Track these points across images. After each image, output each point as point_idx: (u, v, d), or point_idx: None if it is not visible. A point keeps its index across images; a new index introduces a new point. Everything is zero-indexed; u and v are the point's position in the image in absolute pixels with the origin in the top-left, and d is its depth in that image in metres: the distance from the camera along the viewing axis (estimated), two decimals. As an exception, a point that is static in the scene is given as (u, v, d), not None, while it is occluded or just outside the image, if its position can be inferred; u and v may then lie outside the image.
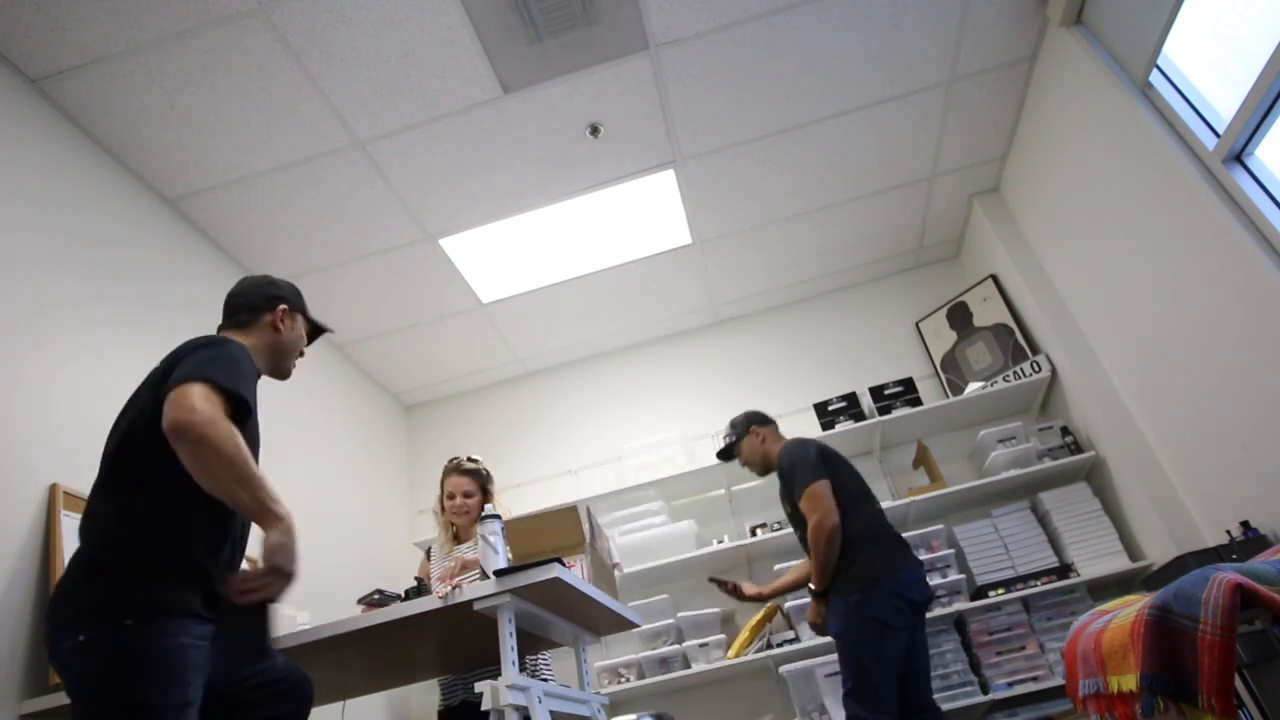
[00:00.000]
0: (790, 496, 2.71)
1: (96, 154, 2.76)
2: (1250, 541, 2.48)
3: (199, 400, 1.43)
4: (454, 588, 1.84)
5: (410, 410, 4.76)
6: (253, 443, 1.61)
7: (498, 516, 1.99)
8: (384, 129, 2.93)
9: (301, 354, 1.95)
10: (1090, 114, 2.91)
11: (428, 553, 2.89)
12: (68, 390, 2.34)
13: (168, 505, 1.50)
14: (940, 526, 3.46)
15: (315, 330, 2.02)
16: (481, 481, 2.80)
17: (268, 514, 1.45)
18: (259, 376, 1.75)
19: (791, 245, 4.04)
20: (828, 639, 3.31)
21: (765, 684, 3.50)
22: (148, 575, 1.44)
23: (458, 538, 2.77)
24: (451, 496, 2.77)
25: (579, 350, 4.58)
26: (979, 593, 3.24)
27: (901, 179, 3.72)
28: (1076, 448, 3.48)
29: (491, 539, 1.92)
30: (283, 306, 1.86)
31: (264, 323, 1.84)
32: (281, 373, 1.91)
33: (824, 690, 3.17)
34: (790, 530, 3.61)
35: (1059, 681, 2.98)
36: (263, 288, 1.90)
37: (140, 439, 1.55)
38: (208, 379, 1.48)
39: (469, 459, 2.84)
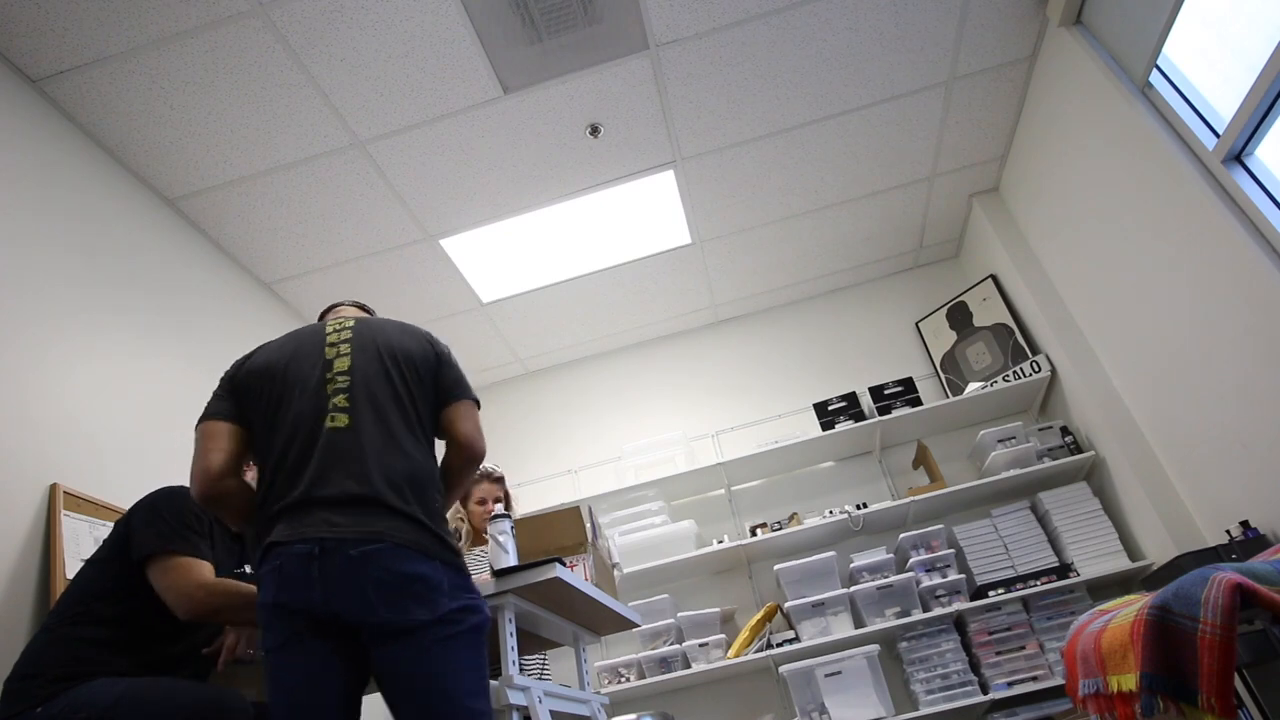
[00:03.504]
0: None
1: (97, 154, 2.76)
2: (1250, 541, 2.48)
3: (182, 578, 1.66)
4: None
5: (410, 410, 4.75)
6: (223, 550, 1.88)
7: (508, 516, 2.00)
8: (384, 129, 2.93)
9: None
10: (1090, 114, 2.91)
11: None
12: (68, 390, 2.34)
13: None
14: (940, 526, 3.45)
15: None
16: (505, 489, 2.99)
17: None
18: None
19: (791, 245, 4.05)
20: (829, 638, 3.32)
21: (765, 684, 3.51)
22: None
23: (477, 538, 2.92)
24: (483, 502, 2.92)
25: (579, 350, 4.58)
26: (979, 592, 3.24)
27: (901, 179, 3.72)
28: (1076, 448, 3.48)
29: (501, 539, 1.93)
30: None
31: None
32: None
33: (824, 690, 3.17)
34: (790, 530, 3.62)
35: (1059, 681, 2.98)
36: None
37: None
38: (165, 551, 1.68)
39: (495, 466, 3.04)
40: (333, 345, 1.66)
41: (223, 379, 1.69)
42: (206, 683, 1.75)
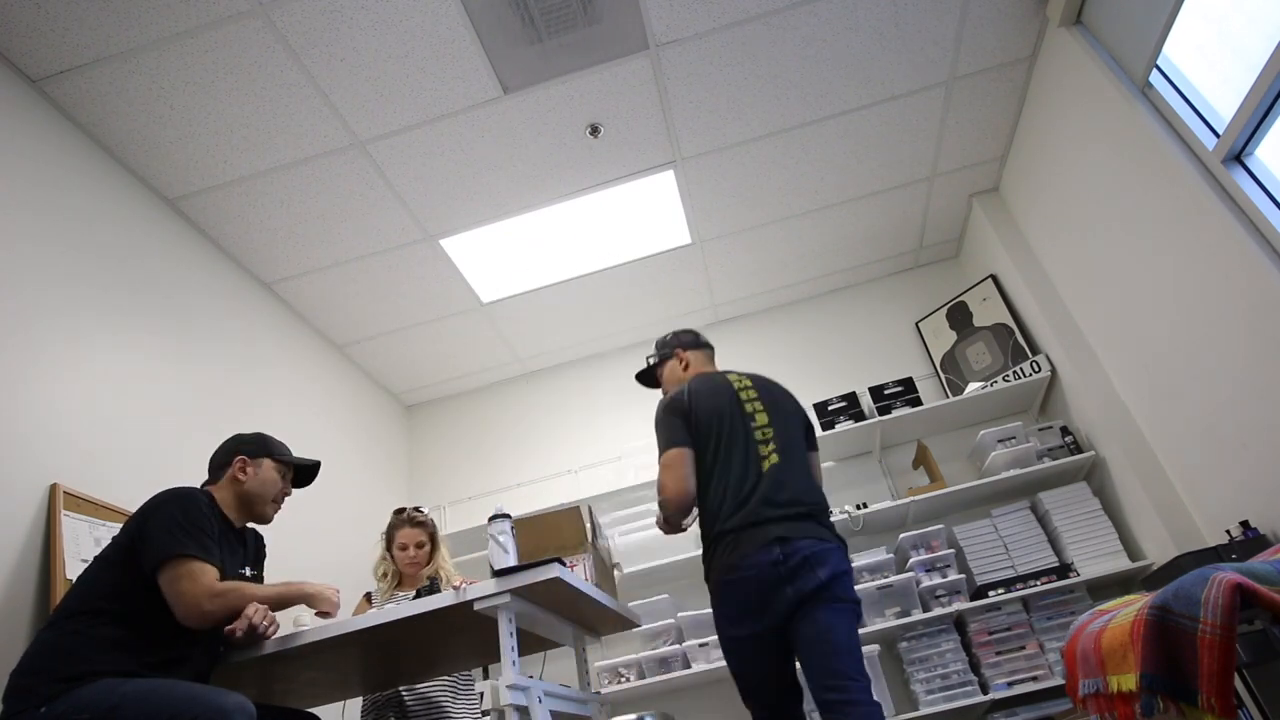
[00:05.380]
0: None
1: (96, 154, 2.76)
2: (1250, 541, 2.48)
3: (192, 588, 1.73)
4: (461, 586, 1.86)
5: (410, 410, 4.76)
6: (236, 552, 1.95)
7: (507, 516, 2.00)
8: (384, 129, 2.93)
9: (287, 494, 2.10)
10: (1090, 114, 2.91)
11: (368, 596, 2.91)
12: (68, 390, 2.34)
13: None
14: (940, 526, 3.45)
15: (300, 471, 2.16)
16: (431, 532, 2.91)
17: (289, 598, 1.92)
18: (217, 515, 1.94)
19: (791, 245, 4.04)
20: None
21: (765, 684, 3.50)
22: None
23: (401, 584, 2.86)
24: (404, 547, 2.85)
25: (579, 350, 4.58)
26: (979, 593, 3.24)
27: (901, 179, 3.72)
28: (1076, 448, 3.48)
29: (501, 538, 1.93)
30: (240, 458, 2.01)
31: (227, 476, 2.00)
32: (259, 517, 2.06)
33: (824, 690, 3.17)
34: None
35: (1059, 681, 2.98)
36: (228, 445, 2.07)
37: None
38: (179, 555, 1.74)
39: (416, 509, 2.95)
40: (749, 402, 2.15)
41: (675, 413, 2.12)
42: (209, 685, 1.74)
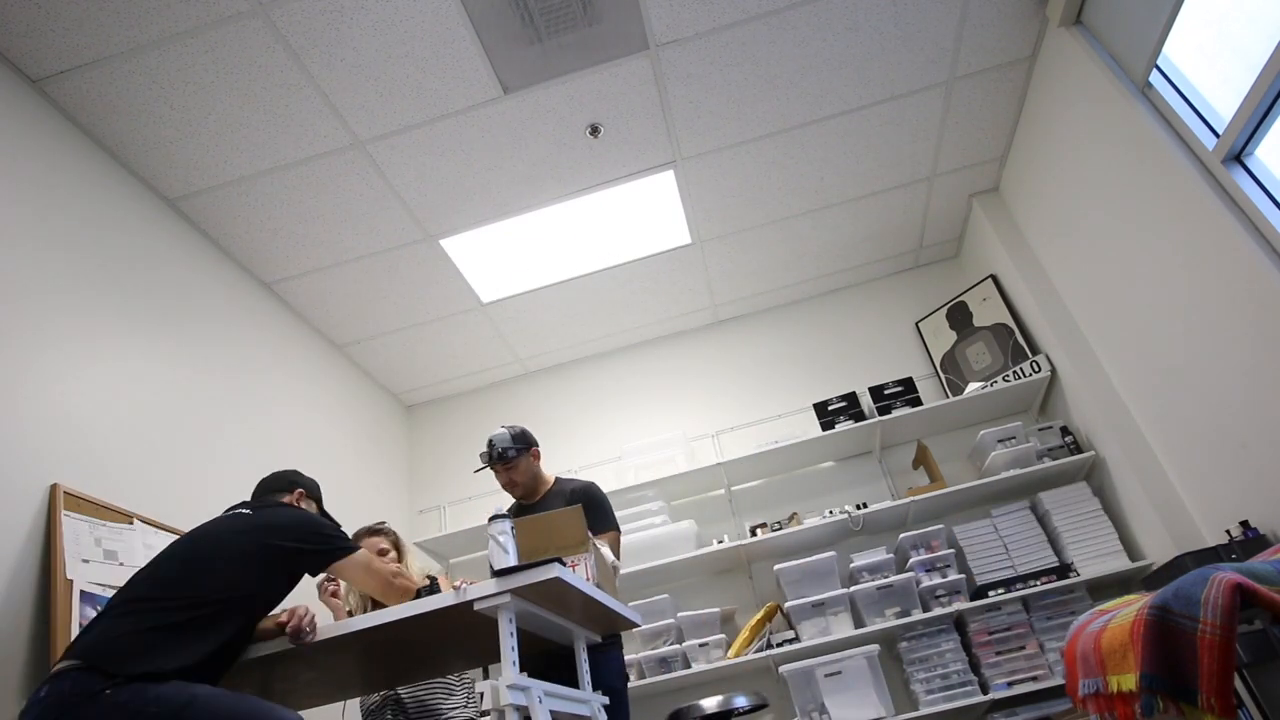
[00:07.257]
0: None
1: (96, 154, 2.76)
2: (1250, 541, 2.48)
3: (383, 566, 2.04)
4: (461, 586, 1.86)
5: (410, 410, 4.76)
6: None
7: (507, 516, 2.00)
8: (384, 129, 2.93)
9: None
10: (1090, 114, 2.91)
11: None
12: (68, 390, 2.34)
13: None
14: (940, 526, 3.45)
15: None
16: (393, 540, 2.90)
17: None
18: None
19: (791, 245, 4.05)
20: (829, 638, 3.32)
21: (765, 684, 3.50)
22: None
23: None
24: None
25: (579, 350, 4.58)
26: (979, 592, 3.24)
27: (901, 179, 3.72)
28: (1076, 448, 3.48)
29: (501, 538, 1.93)
30: (300, 490, 2.15)
31: (290, 500, 2.13)
32: None
33: (824, 690, 3.17)
34: (790, 530, 3.63)
35: (1059, 681, 2.98)
36: (289, 475, 2.21)
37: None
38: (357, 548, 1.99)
39: (379, 523, 2.95)
40: None
41: None
42: (262, 699, 1.75)
